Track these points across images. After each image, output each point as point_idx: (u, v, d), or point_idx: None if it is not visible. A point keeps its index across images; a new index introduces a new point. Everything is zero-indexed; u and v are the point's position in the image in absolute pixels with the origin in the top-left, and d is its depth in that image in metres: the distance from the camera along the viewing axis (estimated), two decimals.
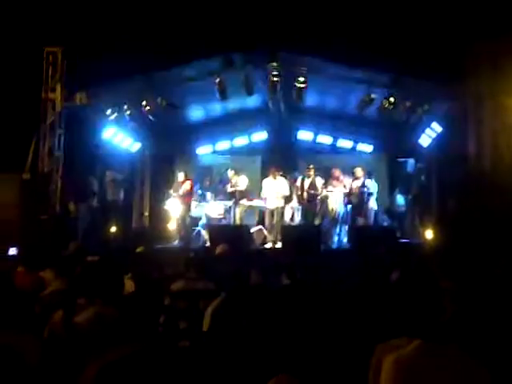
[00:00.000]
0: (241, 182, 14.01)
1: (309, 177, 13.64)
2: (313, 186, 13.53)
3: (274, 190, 13.44)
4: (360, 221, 13.58)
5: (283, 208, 13.65)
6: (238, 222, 13.76)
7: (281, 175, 13.75)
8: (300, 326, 2.70)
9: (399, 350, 2.63)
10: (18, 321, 3.24)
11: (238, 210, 13.91)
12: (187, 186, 13.90)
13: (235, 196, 13.86)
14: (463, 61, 11.32)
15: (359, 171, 13.85)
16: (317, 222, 13.54)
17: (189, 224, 13.97)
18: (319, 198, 13.57)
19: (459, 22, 11.72)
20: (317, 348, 2.62)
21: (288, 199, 13.77)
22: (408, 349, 2.62)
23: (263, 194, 13.68)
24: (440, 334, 2.61)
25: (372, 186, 13.83)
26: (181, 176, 14.30)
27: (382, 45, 12.43)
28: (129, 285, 4.71)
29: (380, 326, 3.35)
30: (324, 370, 2.59)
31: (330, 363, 2.80)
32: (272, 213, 13.47)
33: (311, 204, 13.57)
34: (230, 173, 14.27)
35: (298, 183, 13.72)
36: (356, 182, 13.72)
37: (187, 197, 13.84)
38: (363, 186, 13.62)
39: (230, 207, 14.06)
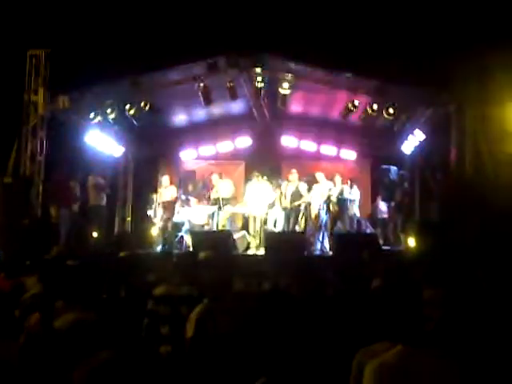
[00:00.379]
0: (225, 188, 14.00)
1: (291, 182, 13.67)
2: (296, 191, 13.54)
3: (258, 196, 13.45)
4: (340, 227, 13.65)
5: (267, 214, 13.66)
6: (221, 227, 13.73)
7: (265, 180, 13.78)
8: (282, 332, 2.69)
9: (381, 354, 2.63)
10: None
11: (222, 216, 13.89)
12: (172, 191, 13.91)
13: (219, 202, 13.84)
14: (446, 68, 11.40)
15: (338, 179, 13.96)
16: (300, 228, 13.54)
17: (172, 229, 13.93)
18: (303, 204, 13.58)
19: (443, 29, 11.83)
20: (299, 353, 2.61)
21: (271, 205, 13.77)
22: (389, 354, 2.61)
23: (246, 198, 13.69)
24: (422, 339, 2.61)
25: (354, 192, 13.90)
26: (165, 180, 14.28)
27: (365, 51, 12.50)
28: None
29: (361, 331, 3.35)
30: (306, 374, 2.57)
31: (312, 368, 2.78)
32: (255, 218, 13.47)
33: (294, 210, 13.57)
34: (215, 178, 14.26)
35: (283, 189, 13.73)
36: (334, 189, 13.78)
37: (171, 202, 13.85)
38: (341, 193, 13.74)
39: (213, 213, 14.02)
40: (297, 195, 13.54)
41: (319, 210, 13.34)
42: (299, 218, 13.60)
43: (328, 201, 13.52)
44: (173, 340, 4.22)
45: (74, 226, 12.51)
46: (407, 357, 2.57)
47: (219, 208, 13.82)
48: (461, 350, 2.93)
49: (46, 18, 13.16)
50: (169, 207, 13.83)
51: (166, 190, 14.00)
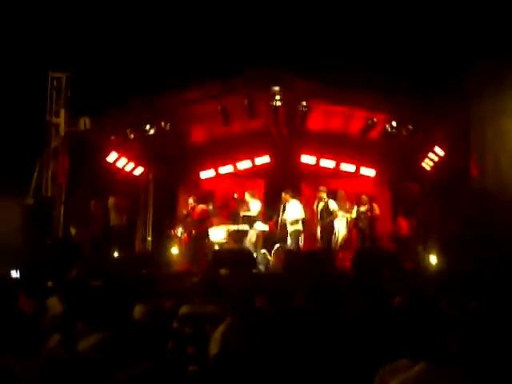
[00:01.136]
0: (255, 206, 13.99)
1: (322, 200, 13.57)
2: (327, 209, 13.45)
3: (293, 213, 13.41)
4: (367, 245, 13.63)
5: (299, 232, 13.58)
6: (249, 246, 13.67)
7: (293, 197, 13.76)
8: (304, 349, 2.70)
9: (403, 371, 2.61)
10: (17, 344, 3.20)
11: (253, 234, 13.86)
12: (200, 210, 13.98)
13: (249, 220, 13.82)
14: (465, 83, 11.37)
15: (364, 197, 14.01)
16: (323, 245, 13.46)
17: (195, 248, 13.96)
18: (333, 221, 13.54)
19: (460, 44, 11.82)
20: (322, 369, 2.61)
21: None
22: (412, 371, 2.60)
23: (284, 216, 13.64)
24: (444, 358, 2.59)
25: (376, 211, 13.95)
26: (190, 201, 14.33)
27: (383, 68, 12.52)
28: (137, 310, 4.71)
29: (383, 348, 3.32)
30: None
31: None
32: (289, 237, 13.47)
33: (326, 227, 13.48)
34: (247, 195, 14.24)
35: (314, 207, 13.67)
36: (362, 207, 13.78)
37: (201, 223, 13.90)
38: (371, 210, 13.73)
39: (232, 231, 14.01)
40: (327, 212, 13.45)
41: (342, 227, 13.30)
42: (332, 236, 13.52)
43: (356, 218, 13.54)
44: (199, 359, 4.21)
45: (94, 246, 12.58)
46: (430, 375, 2.55)
47: (250, 226, 13.79)
48: (483, 369, 2.89)
49: (67, 41, 13.38)
50: (200, 225, 13.89)
51: (195, 210, 14.05)
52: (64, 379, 3.04)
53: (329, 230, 13.43)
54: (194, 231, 13.94)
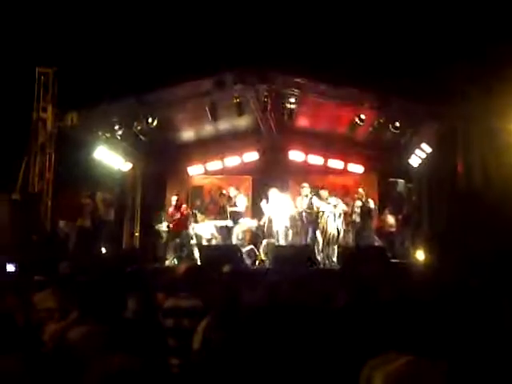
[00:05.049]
0: (241, 202, 14.04)
1: (306, 196, 13.62)
2: (310, 204, 13.50)
3: (279, 209, 13.47)
4: (358, 240, 13.73)
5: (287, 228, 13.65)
6: (236, 241, 13.71)
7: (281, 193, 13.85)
8: (288, 344, 2.72)
9: (388, 364, 2.64)
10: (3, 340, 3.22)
11: (239, 229, 13.91)
12: (181, 208, 14.03)
13: (234, 216, 13.85)
14: (452, 81, 11.44)
15: (361, 191, 14.07)
16: (308, 241, 13.52)
17: (179, 244, 13.99)
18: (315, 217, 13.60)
19: (449, 41, 11.89)
20: (305, 365, 2.64)
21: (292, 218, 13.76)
22: (399, 363, 2.63)
23: (267, 212, 13.70)
24: (430, 351, 2.63)
25: (372, 207, 14.04)
26: (173, 200, 14.36)
27: (371, 65, 12.57)
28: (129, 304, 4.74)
29: (369, 343, 3.36)
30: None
31: (320, 379, 2.81)
32: (266, 232, 13.52)
33: (307, 224, 13.54)
34: (232, 190, 14.29)
35: (298, 203, 13.70)
36: (358, 201, 13.83)
37: (182, 221, 13.93)
38: (366, 205, 13.80)
39: (220, 227, 14.04)
40: (311, 208, 13.49)
41: (328, 222, 13.36)
42: (308, 231, 13.59)
43: (351, 213, 13.62)
44: (180, 352, 4.24)
45: (82, 241, 12.55)
46: (415, 366, 2.58)
47: (235, 222, 13.83)
48: (470, 363, 2.93)
49: (55, 36, 13.32)
50: (179, 224, 13.92)
51: (177, 209, 14.09)
52: (56, 368, 3.06)
53: (313, 225, 13.50)
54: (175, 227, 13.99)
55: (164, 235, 14.18)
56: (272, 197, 13.76)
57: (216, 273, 6.07)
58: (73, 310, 3.86)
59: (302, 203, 13.58)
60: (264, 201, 13.93)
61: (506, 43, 10.35)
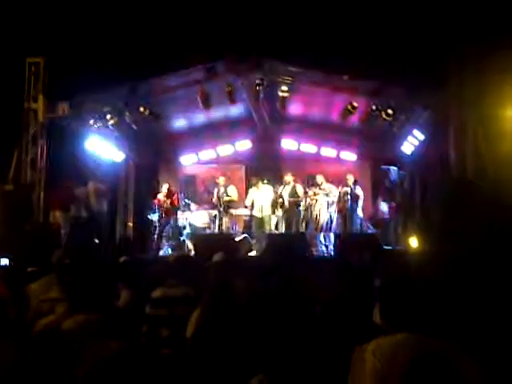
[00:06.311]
0: (230, 192, 14.03)
1: (288, 184, 13.66)
2: (293, 192, 13.55)
3: (262, 199, 13.50)
4: (347, 228, 13.67)
5: (269, 217, 13.68)
6: (224, 230, 13.75)
7: (266, 183, 13.80)
8: (280, 331, 2.72)
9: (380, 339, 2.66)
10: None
11: (226, 219, 13.91)
12: (173, 197, 14.02)
13: (223, 205, 13.85)
14: (445, 68, 11.41)
15: (350, 179, 13.88)
16: (301, 229, 13.55)
17: (172, 233, 13.99)
18: (302, 205, 13.61)
19: (442, 28, 11.84)
20: (296, 351, 2.64)
21: (274, 208, 13.76)
22: (389, 337, 2.64)
23: (248, 202, 13.74)
24: (425, 329, 2.64)
25: (360, 192, 13.94)
26: (165, 188, 14.33)
27: (363, 52, 12.54)
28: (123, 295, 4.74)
29: (362, 330, 3.36)
30: (304, 372, 2.60)
31: (310, 366, 2.80)
32: (260, 221, 13.52)
33: (294, 212, 13.56)
34: (222, 180, 14.27)
35: (279, 191, 13.72)
36: (345, 188, 13.78)
37: (171, 208, 13.93)
38: (351, 193, 13.70)
39: (214, 216, 14.05)
40: (294, 197, 13.54)
41: (321, 210, 13.37)
42: (300, 220, 13.61)
43: (338, 201, 13.60)
44: (173, 342, 4.24)
45: (74, 231, 12.52)
46: (409, 340, 2.59)
47: (225, 211, 13.83)
48: (465, 342, 2.94)
49: (45, 25, 13.21)
50: (169, 213, 13.91)
51: (167, 196, 14.07)
52: (52, 356, 3.07)
53: (297, 213, 13.55)
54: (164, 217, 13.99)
55: (157, 225, 14.16)
56: (256, 187, 13.80)
57: (209, 262, 6.06)
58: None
59: (285, 191, 13.60)
60: (254, 188, 13.94)
61: (500, 30, 10.31)
